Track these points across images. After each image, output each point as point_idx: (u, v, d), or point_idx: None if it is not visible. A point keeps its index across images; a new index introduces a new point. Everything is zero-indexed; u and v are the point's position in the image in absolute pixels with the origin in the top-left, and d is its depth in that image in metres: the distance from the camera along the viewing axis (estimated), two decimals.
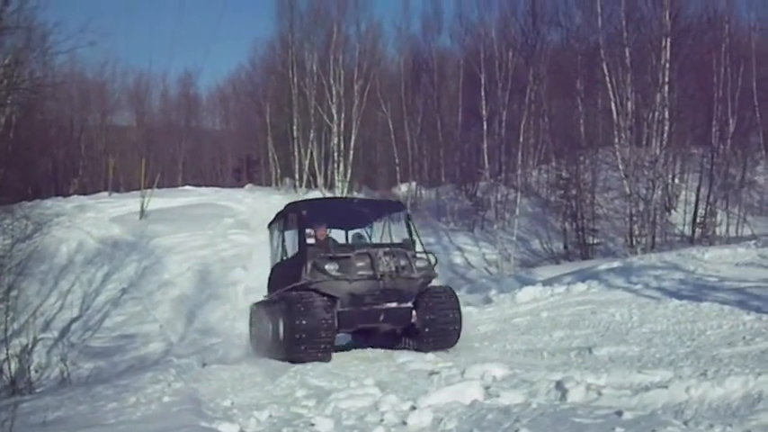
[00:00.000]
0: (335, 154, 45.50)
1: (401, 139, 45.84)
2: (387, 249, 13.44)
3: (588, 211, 33.57)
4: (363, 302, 13.19)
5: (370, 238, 15.87)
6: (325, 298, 13.00)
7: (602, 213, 34.37)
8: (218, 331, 22.26)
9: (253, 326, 16.61)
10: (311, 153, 46.63)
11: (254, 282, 25.16)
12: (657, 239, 30.21)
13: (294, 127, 46.61)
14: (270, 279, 16.14)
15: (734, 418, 6.92)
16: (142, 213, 37.51)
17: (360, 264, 13.11)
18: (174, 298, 26.45)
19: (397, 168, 46.21)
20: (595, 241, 32.50)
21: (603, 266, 20.69)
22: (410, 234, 14.73)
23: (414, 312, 13.73)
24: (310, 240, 14.00)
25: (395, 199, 32.00)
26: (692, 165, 36.15)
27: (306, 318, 12.55)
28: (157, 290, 27.47)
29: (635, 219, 30.10)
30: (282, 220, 15.48)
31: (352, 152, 45.34)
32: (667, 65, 30.66)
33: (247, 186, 52.14)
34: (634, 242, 29.70)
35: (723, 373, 8.33)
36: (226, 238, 34.20)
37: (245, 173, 63.57)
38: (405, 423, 7.63)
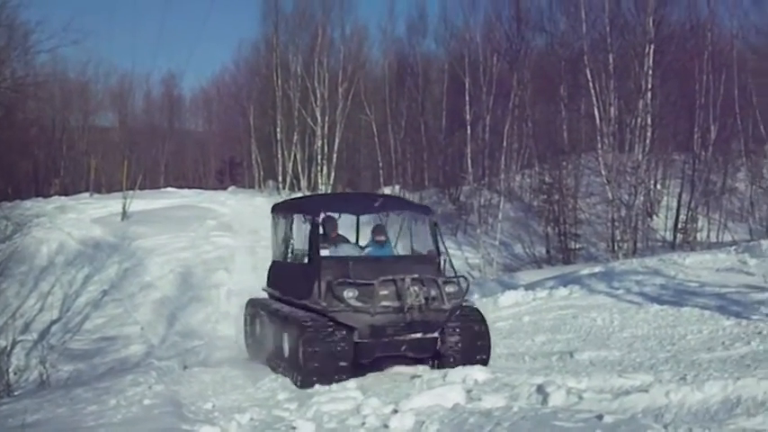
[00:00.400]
0: (319, 157, 45.48)
1: (385, 143, 45.85)
2: (415, 277, 11.55)
3: (570, 215, 33.73)
4: (385, 334, 11.54)
5: (389, 241, 13.73)
6: (341, 328, 11.32)
7: (584, 218, 34.54)
8: (200, 334, 22.11)
9: (249, 326, 15.04)
10: (295, 155, 46.58)
11: (236, 284, 25.10)
12: (639, 245, 30.39)
13: (278, 129, 46.58)
14: (270, 273, 14.63)
15: (713, 422, 6.97)
16: (124, 215, 37.30)
17: (384, 293, 11.32)
18: (156, 300, 26.28)
19: (381, 171, 46.21)
20: (578, 246, 32.64)
21: (585, 271, 20.76)
22: (436, 245, 12.96)
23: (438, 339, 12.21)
24: (324, 252, 12.30)
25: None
26: (674, 171, 36.36)
27: (319, 347, 11.09)
28: (139, 292, 27.29)
29: (617, 224, 30.24)
30: (294, 212, 13.79)
31: (335, 155, 45.33)
32: (650, 71, 30.85)
33: (230, 188, 52.04)
34: (616, 247, 29.83)
35: (702, 378, 8.39)
36: (208, 240, 34.02)
37: (228, 175, 63.51)
38: (386, 426, 7.63)
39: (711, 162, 34.45)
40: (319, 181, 45.19)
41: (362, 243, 13.93)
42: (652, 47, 30.89)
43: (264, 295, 14.81)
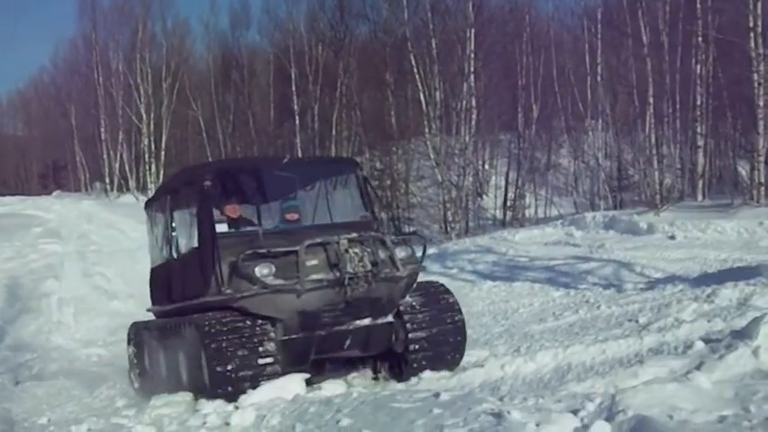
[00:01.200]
0: (146, 155, 44.32)
1: (213, 137, 45.19)
2: (353, 237, 8.53)
3: (403, 200, 34.14)
4: (320, 323, 8.43)
5: (301, 221, 9.87)
6: (259, 322, 8.27)
7: (416, 202, 35.01)
8: (33, 346, 21.00)
9: (136, 359, 11.32)
10: (121, 155, 45.22)
11: (67, 292, 24.07)
12: (471, 224, 31.07)
13: (102, 129, 45.10)
14: (153, 285, 11.27)
15: (546, 390, 7.10)
16: None
17: (313, 262, 8.29)
18: None
19: None
20: (411, 229, 32.99)
21: (418, 253, 20.94)
22: (370, 206, 9.80)
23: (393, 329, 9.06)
24: (221, 227, 9.01)
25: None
26: (501, 150, 37.37)
27: (231, 361, 8.00)
28: None
29: (448, 205, 30.79)
30: (169, 197, 10.39)
31: (163, 153, 44.33)
32: (472, 55, 31.51)
33: (55, 193, 49.99)
34: (449, 228, 30.33)
35: (535, 349, 8.60)
36: (35, 248, 32.44)
37: (53, 179, 61.10)
38: (228, 424, 7.40)
39: (535, 140, 35.70)
40: (148, 180, 44.04)
41: (269, 226, 9.82)
42: (473, 31, 31.52)
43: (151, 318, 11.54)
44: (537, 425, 5.29)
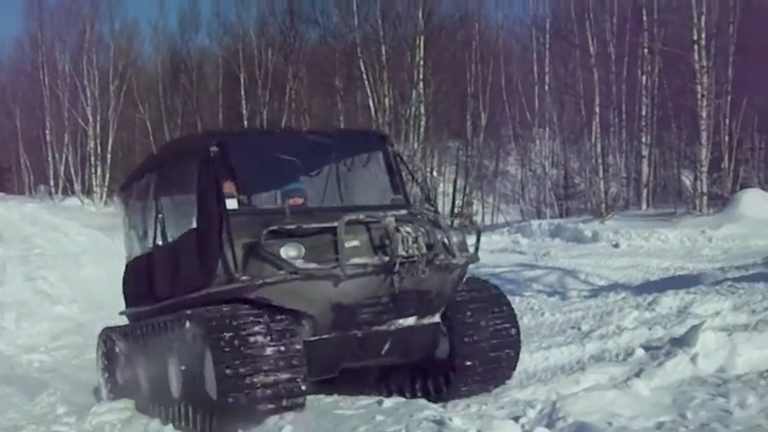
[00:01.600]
0: (92, 158, 43.68)
1: (161, 141, 44.69)
2: (402, 214, 6.93)
3: None
4: (356, 321, 6.73)
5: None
6: (281, 317, 6.49)
7: None
8: None
9: (108, 370, 9.58)
10: (66, 158, 44.56)
11: (8, 297, 23.65)
12: None
13: (47, 131, 44.42)
14: (129, 283, 9.46)
15: (488, 397, 7.17)
16: None
17: (353, 243, 6.56)
18: None
19: None
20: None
21: None
22: (399, 189, 7.99)
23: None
24: (231, 203, 7.07)
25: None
26: (449, 158, 37.53)
27: (249, 359, 6.19)
28: None
29: None
30: (155, 174, 8.50)
31: (110, 155, 43.71)
32: (422, 62, 31.68)
33: None
34: None
35: None
36: None
37: None
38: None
39: (483, 148, 35.91)
40: (94, 183, 43.48)
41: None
42: (423, 38, 31.71)
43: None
44: None
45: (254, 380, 6.13)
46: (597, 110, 29.66)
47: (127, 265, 9.45)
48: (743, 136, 28.68)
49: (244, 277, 6.43)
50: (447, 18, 37.93)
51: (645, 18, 28.33)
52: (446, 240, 6.89)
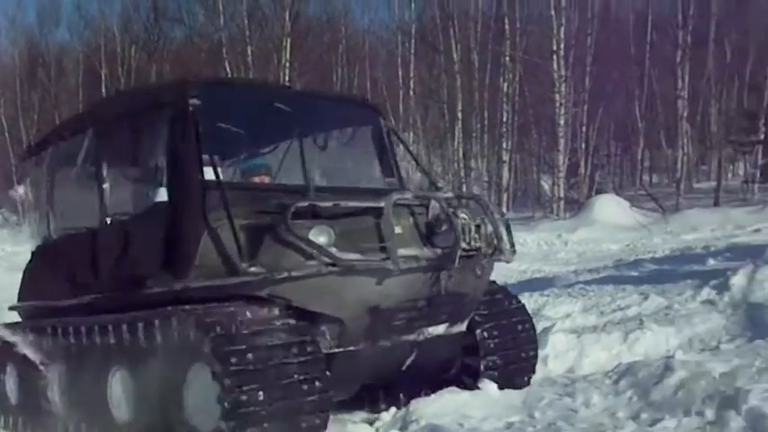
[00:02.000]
0: None
1: (17, 138, 43.17)
2: (450, 195, 5.62)
3: None
4: (389, 329, 5.28)
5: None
6: (302, 323, 5.02)
7: None
8: None
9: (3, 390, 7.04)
10: None
11: None
12: None
13: None
14: (32, 272, 7.27)
15: (344, 400, 7.18)
16: None
17: (397, 231, 5.04)
18: None
19: (14, 169, 43.44)
20: None
21: None
22: (393, 170, 6.73)
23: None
24: (209, 172, 5.32)
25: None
26: None
27: (267, 388, 4.59)
28: None
29: None
30: (92, 132, 6.41)
31: None
32: (288, 64, 31.57)
33: None
34: None
35: None
36: None
37: None
38: None
39: None
40: None
41: None
42: (289, 40, 31.63)
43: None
44: None
45: (270, 408, 4.58)
46: (460, 115, 30.23)
47: (33, 253, 7.27)
48: (599, 143, 29.78)
49: (253, 268, 4.92)
50: (314, 20, 38.04)
51: (507, 27, 29.05)
52: (497, 231, 5.62)
